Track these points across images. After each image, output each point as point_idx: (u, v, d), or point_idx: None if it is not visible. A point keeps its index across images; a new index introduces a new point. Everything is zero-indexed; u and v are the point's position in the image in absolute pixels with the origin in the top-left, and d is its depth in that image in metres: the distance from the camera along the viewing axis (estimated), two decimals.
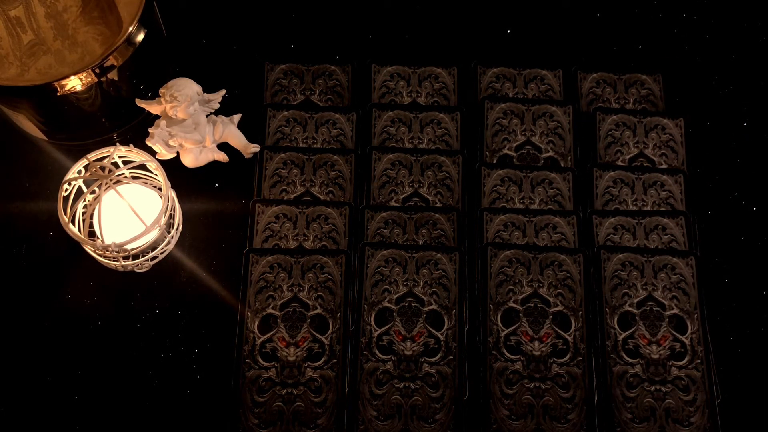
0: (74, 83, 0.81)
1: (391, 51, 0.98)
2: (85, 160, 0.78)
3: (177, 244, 0.85)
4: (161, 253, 0.82)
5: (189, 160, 0.89)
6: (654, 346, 0.80)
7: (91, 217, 0.81)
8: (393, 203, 0.88)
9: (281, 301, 0.82)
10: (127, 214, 0.78)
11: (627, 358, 0.80)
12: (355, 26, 1.00)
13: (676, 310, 0.82)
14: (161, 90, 0.83)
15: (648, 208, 0.88)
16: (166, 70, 0.95)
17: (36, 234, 0.87)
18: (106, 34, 0.87)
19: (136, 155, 0.80)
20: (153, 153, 0.86)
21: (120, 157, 0.80)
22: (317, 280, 0.83)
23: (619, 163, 0.91)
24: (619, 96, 0.95)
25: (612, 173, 0.89)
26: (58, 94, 0.82)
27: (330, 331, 0.80)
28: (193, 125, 0.85)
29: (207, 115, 0.88)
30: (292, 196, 0.88)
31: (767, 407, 0.80)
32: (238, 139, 0.89)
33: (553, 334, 0.81)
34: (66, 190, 0.79)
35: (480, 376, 0.79)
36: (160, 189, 0.82)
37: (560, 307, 0.82)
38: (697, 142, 0.93)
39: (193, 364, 0.81)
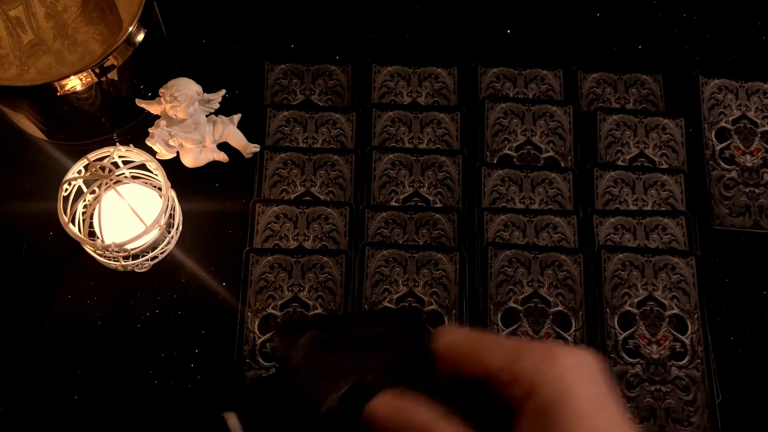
0: (74, 83, 0.81)
1: (391, 51, 0.98)
2: (85, 160, 0.78)
3: (177, 244, 0.85)
4: (161, 253, 0.82)
5: (189, 160, 0.88)
6: (654, 346, 0.80)
7: (91, 217, 0.81)
8: (393, 203, 0.88)
9: (281, 301, 0.82)
10: (127, 214, 0.78)
11: (627, 358, 0.80)
12: (355, 26, 1.00)
13: (676, 310, 0.82)
14: (161, 90, 0.83)
15: (648, 207, 0.88)
16: (166, 70, 0.95)
17: (36, 234, 0.87)
18: (106, 34, 0.87)
19: (136, 155, 0.80)
20: (153, 153, 0.86)
21: (120, 157, 0.80)
22: (317, 280, 0.83)
23: (620, 163, 0.91)
24: (620, 96, 0.95)
25: (612, 173, 0.89)
26: (58, 94, 0.82)
27: None
28: (193, 125, 0.85)
29: (207, 115, 0.88)
30: (293, 196, 0.88)
31: (767, 407, 0.80)
32: (238, 139, 0.89)
33: (553, 334, 0.81)
34: (66, 190, 0.79)
35: None
36: (160, 189, 0.82)
37: (560, 307, 0.82)
38: (697, 142, 0.93)
39: (193, 364, 0.81)
